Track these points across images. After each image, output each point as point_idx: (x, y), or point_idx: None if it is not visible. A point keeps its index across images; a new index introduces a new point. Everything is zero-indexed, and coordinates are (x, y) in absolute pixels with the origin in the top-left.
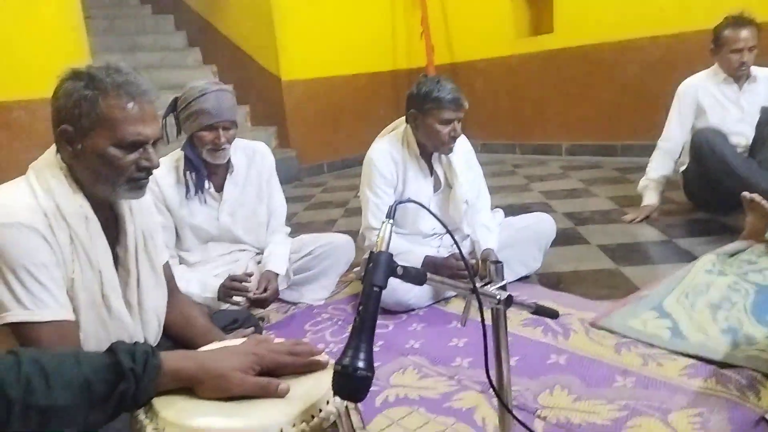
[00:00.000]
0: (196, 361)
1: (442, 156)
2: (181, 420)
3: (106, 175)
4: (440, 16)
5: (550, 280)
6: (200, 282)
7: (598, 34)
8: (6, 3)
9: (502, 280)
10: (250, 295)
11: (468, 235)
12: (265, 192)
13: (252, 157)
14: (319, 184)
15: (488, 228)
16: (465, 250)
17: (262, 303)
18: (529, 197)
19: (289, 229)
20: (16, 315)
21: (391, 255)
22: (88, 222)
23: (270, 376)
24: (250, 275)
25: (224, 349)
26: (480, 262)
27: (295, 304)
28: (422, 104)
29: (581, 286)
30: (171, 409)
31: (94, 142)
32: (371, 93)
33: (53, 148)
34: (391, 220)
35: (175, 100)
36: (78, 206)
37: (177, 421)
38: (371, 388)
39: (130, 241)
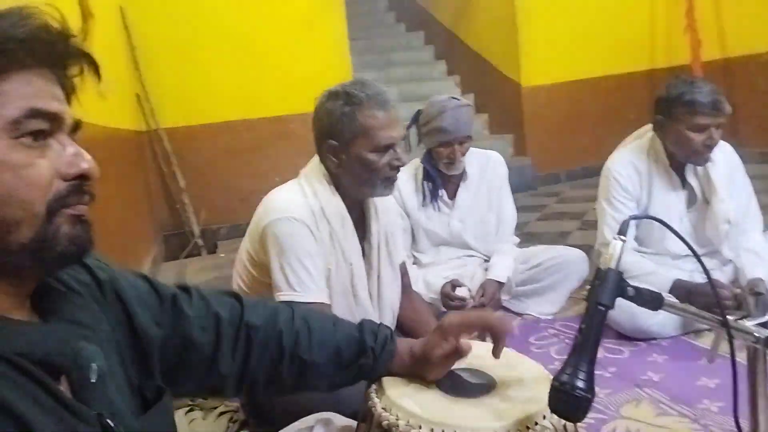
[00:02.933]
0: (411, 353)
1: (698, 167)
2: (406, 404)
3: (367, 177)
4: (710, 6)
5: None
6: (426, 282)
7: None
8: (287, 32)
9: (765, 314)
10: (469, 302)
11: (731, 261)
12: (495, 200)
13: (485, 166)
14: (554, 194)
15: (756, 254)
16: (726, 278)
17: (483, 310)
18: None
19: (517, 239)
20: (286, 295)
21: (621, 274)
22: (344, 221)
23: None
24: (458, 285)
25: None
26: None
27: (520, 315)
28: (671, 109)
29: None
30: (397, 390)
31: (355, 150)
32: (622, 96)
33: (317, 157)
34: (624, 237)
35: (418, 112)
36: (336, 207)
37: (401, 405)
38: (598, 415)
39: (374, 239)
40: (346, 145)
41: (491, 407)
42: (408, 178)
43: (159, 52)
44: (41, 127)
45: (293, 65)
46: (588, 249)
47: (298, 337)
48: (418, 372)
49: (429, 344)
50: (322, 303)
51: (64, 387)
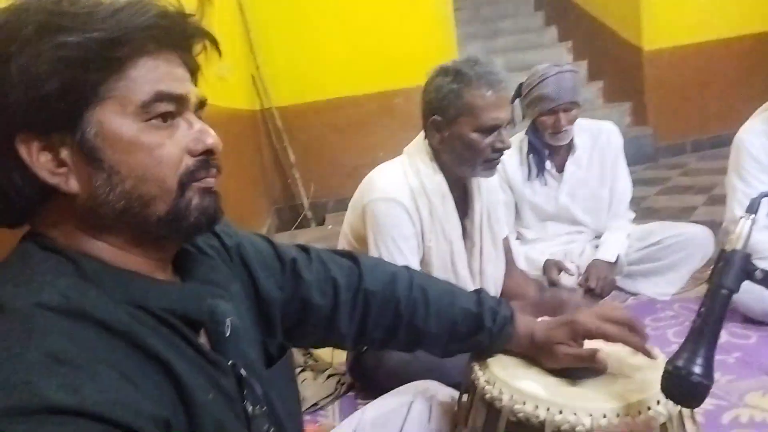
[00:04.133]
0: (531, 337)
1: None
2: (510, 380)
3: (467, 157)
4: None
5: None
6: (528, 258)
7: None
8: (391, 6)
9: None
10: (574, 283)
11: None
12: (608, 174)
13: (597, 137)
14: (677, 166)
15: None
16: None
17: (593, 292)
18: None
19: (632, 215)
20: None
21: (749, 255)
22: (445, 199)
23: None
24: (564, 269)
25: (551, 321)
26: None
27: (634, 294)
28: None
29: None
30: (502, 366)
31: (458, 128)
32: (758, 58)
33: (422, 134)
34: (754, 215)
35: (520, 85)
36: (438, 185)
37: (506, 380)
38: (719, 402)
39: (476, 216)
40: (450, 123)
41: (601, 389)
42: (512, 151)
43: (271, 33)
44: (168, 109)
45: (397, 40)
46: (715, 226)
47: (415, 306)
48: (533, 356)
49: (555, 338)
50: None
51: (203, 340)
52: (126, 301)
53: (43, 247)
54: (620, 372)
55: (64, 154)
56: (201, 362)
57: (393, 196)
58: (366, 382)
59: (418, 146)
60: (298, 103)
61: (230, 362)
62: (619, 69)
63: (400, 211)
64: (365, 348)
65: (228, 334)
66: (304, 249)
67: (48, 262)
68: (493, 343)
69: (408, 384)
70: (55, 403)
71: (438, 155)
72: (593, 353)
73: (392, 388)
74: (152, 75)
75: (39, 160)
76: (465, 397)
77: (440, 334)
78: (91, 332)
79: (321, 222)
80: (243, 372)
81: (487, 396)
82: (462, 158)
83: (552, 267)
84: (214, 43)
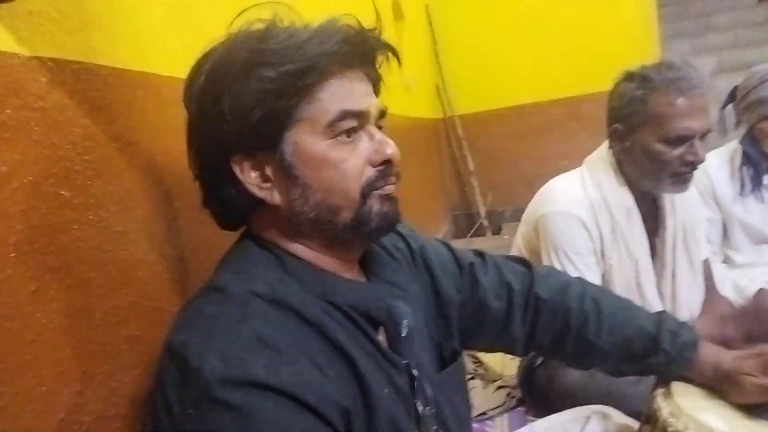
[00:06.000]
0: (716, 366)
1: None
2: (700, 416)
3: (650, 169)
4: None
5: None
6: (736, 285)
7: None
8: (587, 6)
9: None
10: None
11: None
12: None
13: None
14: None
15: None
16: None
17: None
18: None
19: None
20: None
21: None
22: (630, 214)
23: None
24: None
25: (742, 351)
26: None
27: None
28: None
29: None
30: (688, 398)
31: (641, 138)
32: None
33: (606, 143)
34: None
35: (735, 89)
36: (622, 198)
37: (692, 414)
38: None
39: (668, 234)
40: (632, 132)
41: None
42: (722, 162)
43: (457, 43)
44: (352, 125)
45: (590, 42)
46: None
47: (587, 319)
48: (717, 388)
49: (744, 368)
50: None
51: (381, 338)
52: (319, 296)
53: (257, 245)
54: None
55: (269, 171)
56: (379, 359)
57: (569, 209)
58: (537, 399)
59: (601, 156)
60: (479, 110)
61: (404, 362)
62: None
63: (576, 225)
64: (534, 355)
65: (404, 334)
66: (480, 254)
67: (260, 257)
68: (671, 368)
69: (583, 407)
70: (260, 379)
71: (622, 166)
72: None
73: (564, 409)
74: (337, 95)
75: (249, 177)
76: (645, 428)
77: (611, 351)
78: (291, 321)
79: (497, 231)
80: (416, 372)
81: (670, 429)
82: (644, 170)
83: (766, 297)
84: (395, 54)
